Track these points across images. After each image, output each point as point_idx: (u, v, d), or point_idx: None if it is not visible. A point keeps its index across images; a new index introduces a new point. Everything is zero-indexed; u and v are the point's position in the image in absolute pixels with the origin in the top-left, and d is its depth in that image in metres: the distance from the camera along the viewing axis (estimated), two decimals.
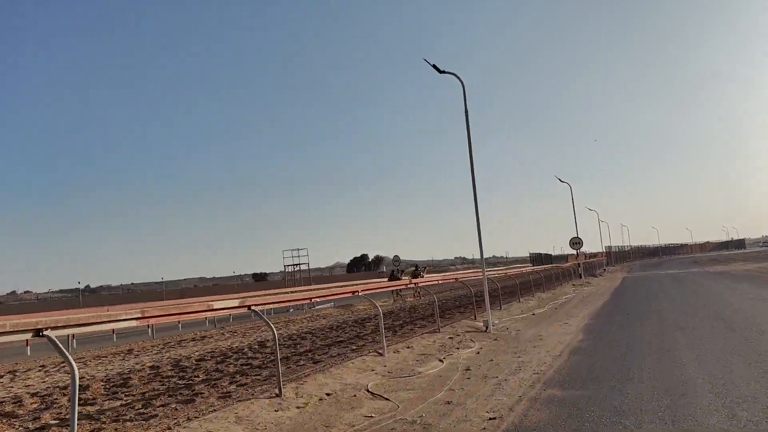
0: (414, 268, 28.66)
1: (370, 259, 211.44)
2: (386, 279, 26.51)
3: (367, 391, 5.94)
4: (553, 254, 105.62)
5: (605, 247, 58.92)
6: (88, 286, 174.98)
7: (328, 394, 5.84)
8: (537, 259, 66.76)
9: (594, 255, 64.47)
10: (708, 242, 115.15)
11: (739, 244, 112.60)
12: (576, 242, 25.57)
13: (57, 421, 5.52)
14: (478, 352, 8.27)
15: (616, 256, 66.10)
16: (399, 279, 24.17)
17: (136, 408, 5.82)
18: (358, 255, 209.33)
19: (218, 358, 9.05)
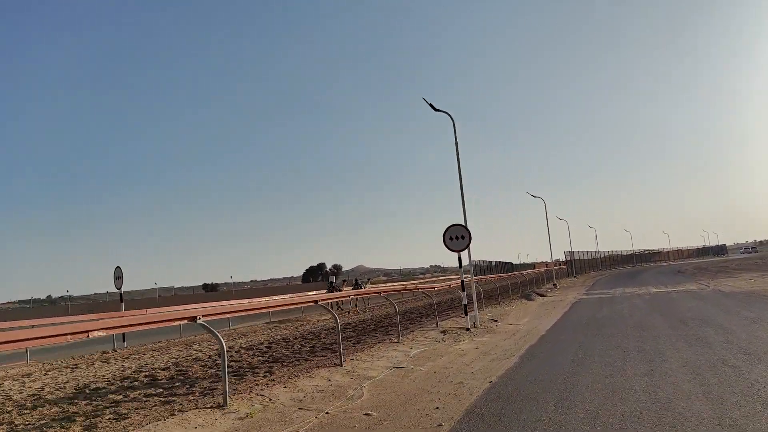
0: (354, 280, 26.61)
1: (327, 268, 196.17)
2: (325, 291, 22.47)
3: None
4: (516, 262, 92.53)
5: (565, 253, 45.54)
6: (49, 297, 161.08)
7: None
8: (484, 268, 53.08)
9: (554, 264, 51.25)
10: (681, 249, 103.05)
11: (720, 249, 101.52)
12: (456, 237, 11.50)
13: None
14: None
15: (582, 265, 52.96)
16: (339, 291, 21.62)
17: None
18: (315, 264, 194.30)
19: None
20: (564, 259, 46.61)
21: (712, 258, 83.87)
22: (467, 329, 11.01)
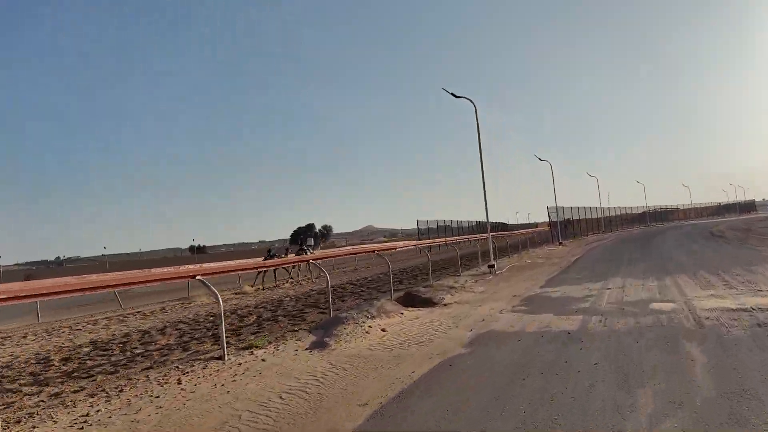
0: (299, 245, 22.15)
1: (317, 229, 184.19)
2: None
3: None
4: (509, 222, 79.34)
5: (548, 209, 32.28)
6: (58, 258, 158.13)
7: None
8: (432, 231, 40.33)
9: (535, 226, 38.33)
10: (700, 206, 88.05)
11: (749, 206, 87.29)
12: None
13: None
14: None
15: (579, 226, 39.93)
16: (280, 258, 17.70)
17: None
18: (303, 225, 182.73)
19: None
20: (549, 219, 33.53)
21: (739, 216, 70.37)
22: None
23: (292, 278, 18.68)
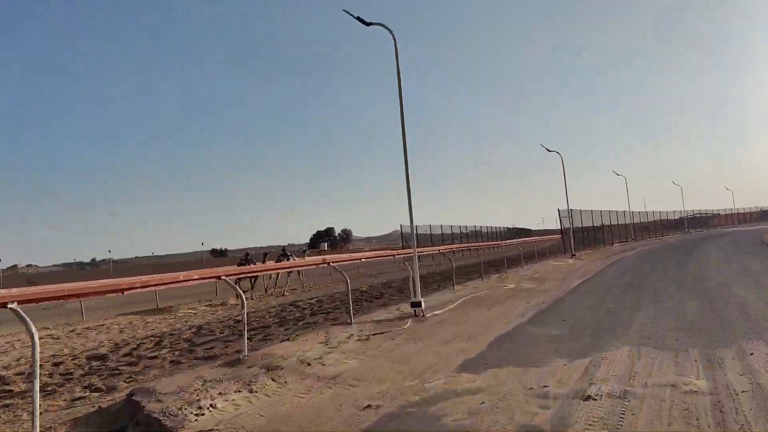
0: (282, 250, 20.30)
1: (336, 233, 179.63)
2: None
3: None
4: (532, 228, 72.88)
5: (559, 212, 26.20)
6: (93, 260, 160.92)
7: None
8: (425, 238, 34.65)
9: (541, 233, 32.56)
10: (742, 211, 78.65)
11: None
12: None
13: None
14: None
15: (603, 233, 33.72)
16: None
17: None
18: (323, 229, 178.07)
19: None
20: (561, 225, 27.53)
21: None
22: None
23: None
